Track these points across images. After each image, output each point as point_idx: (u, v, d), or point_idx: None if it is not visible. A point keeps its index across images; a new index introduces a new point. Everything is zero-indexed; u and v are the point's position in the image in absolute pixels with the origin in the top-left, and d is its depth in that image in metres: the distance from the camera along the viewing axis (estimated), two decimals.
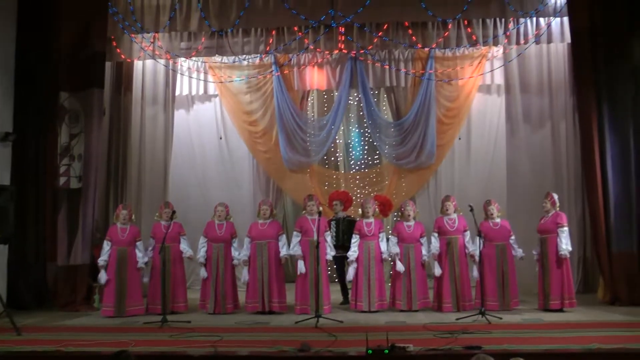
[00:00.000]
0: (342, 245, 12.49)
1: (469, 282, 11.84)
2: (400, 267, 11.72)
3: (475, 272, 11.60)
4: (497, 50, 14.78)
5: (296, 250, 11.85)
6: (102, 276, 11.78)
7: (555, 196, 11.85)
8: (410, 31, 13.80)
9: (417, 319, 10.94)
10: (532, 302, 11.93)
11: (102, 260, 11.82)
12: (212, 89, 15.76)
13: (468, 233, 11.94)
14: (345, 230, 12.65)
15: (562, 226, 11.48)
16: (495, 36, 13.69)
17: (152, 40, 14.18)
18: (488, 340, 8.77)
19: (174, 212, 12.05)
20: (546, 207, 11.75)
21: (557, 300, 11.33)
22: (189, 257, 12.20)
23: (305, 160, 15.13)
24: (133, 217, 12.36)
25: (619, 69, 12.51)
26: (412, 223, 11.99)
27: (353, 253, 11.79)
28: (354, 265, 11.78)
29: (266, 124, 15.27)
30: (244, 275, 11.97)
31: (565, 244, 11.35)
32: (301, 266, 11.72)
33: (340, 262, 12.75)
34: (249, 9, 13.50)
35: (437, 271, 11.81)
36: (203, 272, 12.01)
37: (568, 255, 11.43)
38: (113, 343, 8.97)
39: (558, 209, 11.76)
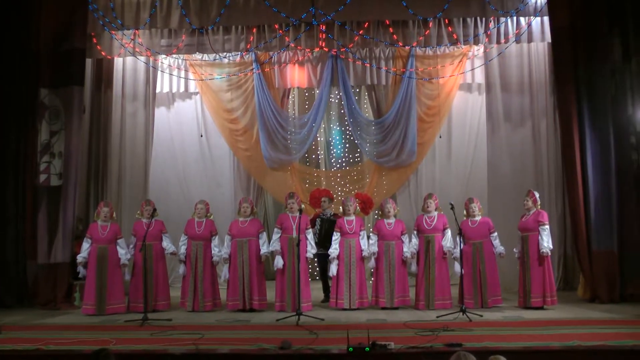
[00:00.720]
0: (324, 243, 12.48)
1: (446, 280, 11.88)
2: (372, 264, 11.81)
3: (457, 268, 11.63)
4: (478, 49, 14.85)
5: (275, 245, 11.86)
6: (82, 271, 11.75)
7: (537, 194, 11.92)
8: (391, 29, 13.82)
9: (398, 316, 10.97)
10: (513, 299, 11.99)
11: (80, 257, 11.77)
12: (192, 86, 15.70)
13: (448, 231, 11.97)
14: (327, 229, 12.62)
15: (544, 224, 11.54)
16: (476, 35, 13.74)
17: (132, 37, 14.11)
18: (469, 338, 8.79)
19: (154, 209, 11.98)
20: (527, 205, 11.80)
21: (538, 297, 11.37)
22: (172, 253, 12.17)
23: (286, 158, 15.11)
24: (114, 214, 12.31)
25: (598, 68, 12.57)
26: (392, 221, 12.02)
27: (334, 250, 11.81)
28: (336, 262, 11.79)
29: (247, 122, 15.24)
30: (224, 273, 11.96)
31: (546, 242, 11.41)
32: (278, 261, 11.74)
33: (324, 259, 12.76)
34: (230, 7, 13.45)
35: (414, 269, 11.88)
36: (182, 270, 12.02)
37: (550, 253, 11.50)
38: (93, 341, 8.92)
39: (539, 207, 11.82)
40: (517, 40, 13.84)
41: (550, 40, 13.43)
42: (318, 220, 12.98)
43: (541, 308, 11.32)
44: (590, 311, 11.23)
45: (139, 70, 15.20)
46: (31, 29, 13.23)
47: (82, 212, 14.21)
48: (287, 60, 15.08)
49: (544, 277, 11.43)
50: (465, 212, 12.06)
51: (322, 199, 13.22)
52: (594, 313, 11.03)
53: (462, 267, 11.21)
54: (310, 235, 12.01)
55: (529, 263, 11.55)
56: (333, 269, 11.83)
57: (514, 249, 11.91)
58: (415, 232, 12.04)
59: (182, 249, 12.00)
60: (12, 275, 12.87)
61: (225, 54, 14.70)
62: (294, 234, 11.55)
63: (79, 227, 13.37)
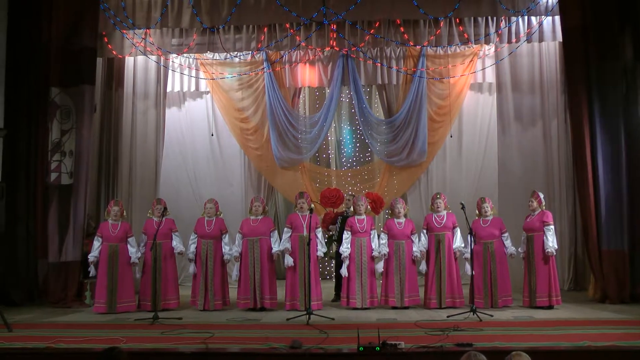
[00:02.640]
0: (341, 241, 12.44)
1: (457, 279, 11.87)
2: (379, 267, 11.79)
3: (467, 269, 11.64)
4: (489, 49, 14.84)
5: (285, 244, 11.85)
6: (92, 270, 11.75)
7: (541, 195, 11.92)
8: (402, 29, 13.81)
9: (408, 316, 10.96)
10: (521, 299, 11.95)
11: (92, 256, 11.78)
12: (203, 85, 15.72)
13: (458, 230, 11.96)
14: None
15: (548, 224, 11.56)
16: (487, 34, 13.72)
17: (143, 36, 14.16)
18: (479, 338, 8.78)
19: (165, 208, 11.99)
20: (532, 206, 11.83)
21: (544, 297, 11.40)
22: (179, 252, 12.16)
23: (297, 157, 15.14)
24: (125, 213, 12.33)
25: (610, 68, 12.51)
26: (402, 220, 12.00)
27: (346, 250, 11.78)
28: (347, 262, 11.76)
29: (257, 121, 15.28)
30: (234, 271, 11.95)
31: (551, 242, 11.43)
32: (288, 259, 11.75)
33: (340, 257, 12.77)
34: (241, 6, 13.48)
35: (423, 268, 11.87)
36: (192, 269, 12.01)
37: (555, 253, 11.51)
38: (104, 340, 8.96)
39: (544, 207, 11.82)
40: (528, 39, 13.81)
41: (561, 40, 13.43)
42: (340, 218, 12.97)
43: (550, 307, 11.32)
44: (601, 311, 11.20)
45: (150, 69, 15.24)
46: (42, 29, 13.29)
47: (92, 211, 14.22)
48: (298, 59, 15.11)
49: (549, 277, 11.46)
50: (477, 211, 12.05)
51: (347, 197, 13.23)
52: (604, 313, 11.00)
53: (472, 267, 11.22)
54: (320, 234, 12.01)
55: (534, 263, 11.58)
56: (344, 270, 11.79)
57: (519, 249, 11.90)
58: (424, 230, 12.03)
59: (192, 248, 12.00)
60: (23, 273, 12.90)
61: (236, 53, 14.74)
62: (305, 233, 11.56)
63: (91, 224, 13.37)
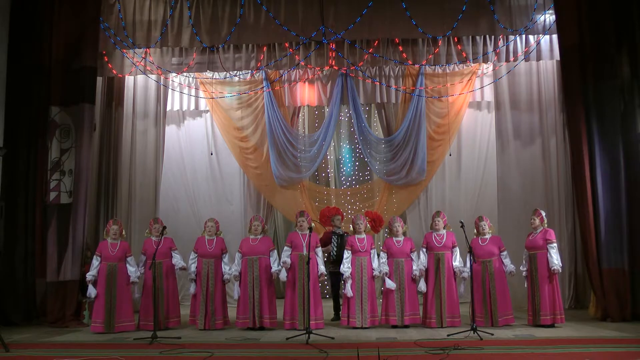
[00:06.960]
0: (339, 260, 12.39)
1: (456, 298, 11.82)
2: (390, 284, 11.69)
3: (462, 288, 11.63)
4: (487, 68, 14.91)
5: (283, 258, 11.80)
6: (91, 290, 11.68)
7: (543, 213, 11.88)
8: (400, 48, 13.89)
9: (408, 335, 10.91)
10: (524, 317, 11.92)
11: (90, 275, 11.71)
12: (203, 104, 15.78)
13: (457, 250, 11.94)
14: (344, 246, 12.52)
15: (552, 242, 11.51)
16: (485, 53, 13.78)
17: (143, 55, 14.20)
18: (480, 357, 8.76)
19: (164, 227, 11.96)
20: (534, 224, 11.78)
21: (548, 315, 11.32)
22: (181, 267, 12.09)
23: (296, 176, 15.15)
24: (124, 232, 12.30)
25: (607, 86, 12.57)
26: (401, 239, 11.97)
27: (347, 269, 11.74)
28: (350, 281, 11.72)
29: (257, 140, 15.29)
30: (235, 290, 11.91)
31: (556, 260, 11.37)
32: (283, 273, 11.71)
33: (336, 277, 12.74)
34: (240, 25, 13.55)
35: (422, 287, 11.82)
36: (192, 288, 11.96)
37: (560, 270, 11.45)
38: (102, 359, 8.92)
39: (546, 225, 11.79)
40: (526, 58, 13.89)
41: (559, 58, 13.45)
42: (335, 237, 12.94)
43: (551, 326, 11.28)
44: (602, 330, 11.16)
45: (149, 88, 15.26)
46: (43, 48, 13.33)
47: (92, 230, 14.18)
48: (297, 78, 15.18)
49: (553, 295, 11.41)
50: (475, 230, 12.04)
51: (335, 218, 13.16)
52: (606, 332, 10.96)
53: (472, 287, 11.17)
54: (320, 253, 11.98)
55: (537, 281, 11.51)
56: (349, 289, 11.72)
57: (521, 267, 11.87)
58: (424, 249, 12.00)
59: (193, 268, 11.96)
60: (21, 292, 12.85)
61: (235, 72, 14.80)
62: (304, 252, 11.53)
63: (87, 254, 13.27)
